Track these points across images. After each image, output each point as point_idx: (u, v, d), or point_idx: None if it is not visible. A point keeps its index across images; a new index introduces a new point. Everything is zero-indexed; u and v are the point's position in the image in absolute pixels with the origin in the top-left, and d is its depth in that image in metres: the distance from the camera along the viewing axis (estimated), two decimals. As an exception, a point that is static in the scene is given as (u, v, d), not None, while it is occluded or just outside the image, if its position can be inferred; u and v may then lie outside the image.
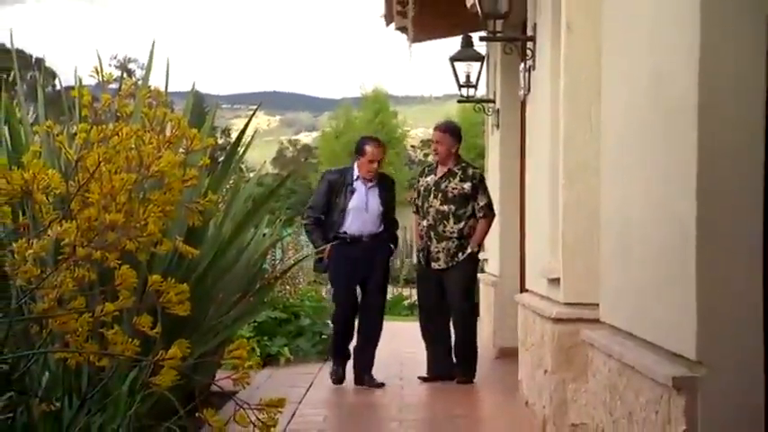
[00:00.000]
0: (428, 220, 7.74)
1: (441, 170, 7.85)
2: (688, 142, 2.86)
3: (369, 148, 7.71)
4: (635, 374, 3.34)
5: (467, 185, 7.71)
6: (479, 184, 7.81)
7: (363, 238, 7.63)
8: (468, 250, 7.70)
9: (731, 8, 2.78)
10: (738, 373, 2.74)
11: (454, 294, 7.73)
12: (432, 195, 7.76)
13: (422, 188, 7.90)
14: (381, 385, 7.48)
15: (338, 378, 7.62)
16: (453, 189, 7.71)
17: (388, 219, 7.83)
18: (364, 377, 7.55)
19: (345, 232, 7.59)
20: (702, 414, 2.77)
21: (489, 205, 7.82)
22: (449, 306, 7.78)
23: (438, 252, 7.70)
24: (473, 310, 8.21)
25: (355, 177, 7.72)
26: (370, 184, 7.71)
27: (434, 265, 7.72)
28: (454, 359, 7.81)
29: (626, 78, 3.76)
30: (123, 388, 3.92)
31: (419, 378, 7.72)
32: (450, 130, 8.03)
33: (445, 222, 7.67)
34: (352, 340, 7.76)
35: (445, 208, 7.69)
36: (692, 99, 2.83)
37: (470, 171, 7.87)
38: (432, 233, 7.71)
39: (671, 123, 3.07)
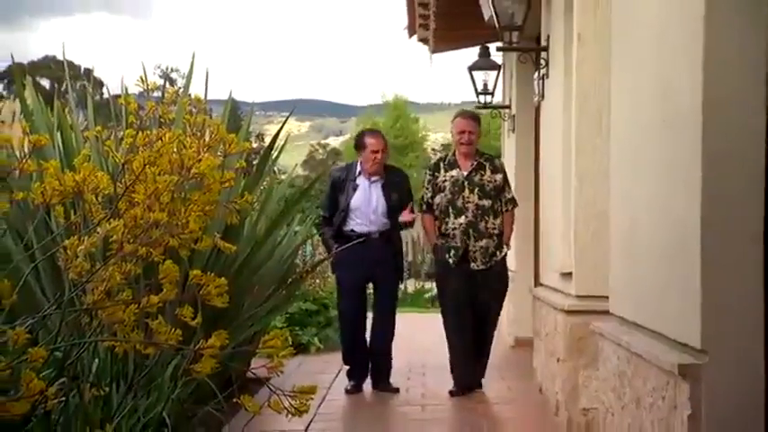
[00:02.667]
0: (467, 217, 6.69)
1: (467, 163, 6.83)
2: (693, 148, 2.84)
3: (369, 140, 6.89)
4: (642, 362, 3.33)
5: (498, 177, 6.84)
6: (506, 175, 6.99)
7: (371, 235, 6.75)
8: (505, 249, 6.84)
9: (735, 19, 2.77)
10: (740, 360, 2.72)
11: (494, 295, 6.83)
12: (467, 190, 6.74)
13: (448, 183, 6.80)
14: (396, 390, 6.82)
15: (353, 392, 6.89)
16: (489, 182, 6.78)
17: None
18: (379, 384, 6.91)
19: (352, 230, 6.75)
20: (706, 400, 2.76)
21: (515, 198, 7.03)
22: (480, 307, 6.79)
23: (475, 252, 6.69)
24: (500, 312, 7.15)
25: (358, 173, 6.89)
26: (373, 179, 6.85)
27: (473, 266, 6.68)
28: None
29: (634, 86, 3.75)
30: (166, 374, 3.95)
31: (450, 393, 6.72)
32: (478, 120, 7.13)
33: (486, 218, 6.70)
34: (364, 348, 7.01)
35: (485, 203, 6.72)
36: (697, 107, 2.81)
37: (497, 162, 7.02)
38: (471, 231, 6.68)
39: (676, 130, 3.06)
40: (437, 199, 6.84)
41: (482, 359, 6.95)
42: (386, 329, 6.92)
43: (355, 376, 6.95)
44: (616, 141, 4.15)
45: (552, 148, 6.56)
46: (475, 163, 6.82)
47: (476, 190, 6.73)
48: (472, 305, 6.74)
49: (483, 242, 6.68)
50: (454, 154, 6.96)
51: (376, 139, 6.92)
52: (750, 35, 2.73)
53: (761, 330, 2.71)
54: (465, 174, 6.78)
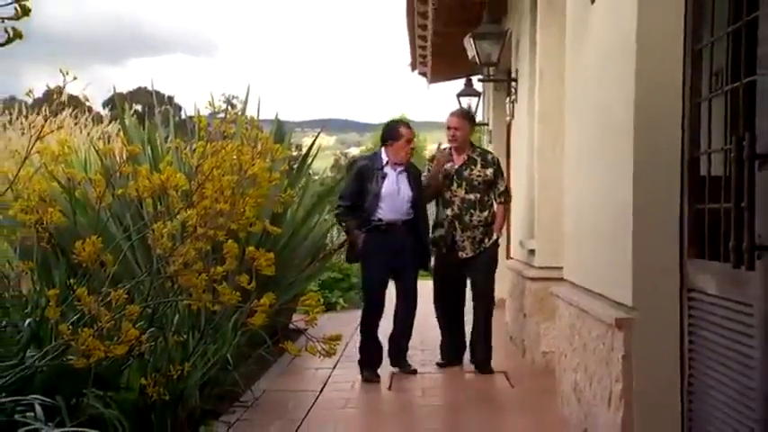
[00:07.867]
0: (453, 210, 5.38)
1: (459, 158, 5.47)
2: (626, 155, 2.84)
3: (404, 130, 5.37)
4: (588, 317, 3.33)
5: (489, 171, 5.42)
6: (499, 170, 5.52)
7: (398, 223, 5.25)
8: (495, 237, 5.44)
9: (660, 56, 2.76)
10: (661, 315, 2.72)
11: (479, 279, 5.46)
12: (455, 184, 5.41)
13: (440, 176, 5.48)
14: (414, 372, 5.35)
15: (370, 379, 5.21)
16: (477, 176, 5.40)
17: (420, 209, 5.40)
18: (400, 361, 5.42)
19: (381, 219, 5.24)
20: (635, 345, 2.76)
21: (508, 190, 5.62)
22: (473, 292, 5.54)
23: (464, 241, 5.38)
24: (493, 295, 5.67)
25: (384, 163, 5.32)
26: (399, 169, 5.30)
27: (461, 255, 5.40)
28: (467, 343, 5.62)
29: (582, 108, 3.73)
30: (229, 325, 3.96)
31: (437, 364, 5.59)
32: (467, 116, 5.81)
33: (472, 212, 5.36)
34: (382, 348, 5.42)
35: (471, 197, 5.37)
36: (629, 124, 2.81)
37: (489, 157, 5.56)
38: (456, 223, 5.38)
39: (614, 142, 3.05)
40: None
41: (478, 345, 5.49)
42: (407, 314, 5.43)
43: (372, 364, 5.33)
44: (568, 151, 4.14)
45: (520, 155, 6.55)
46: (466, 157, 5.48)
47: (463, 184, 5.41)
48: (462, 288, 5.61)
49: (469, 233, 5.39)
50: (451, 149, 5.59)
51: (410, 129, 5.49)
52: (672, 69, 2.72)
53: (677, 291, 2.71)
54: (455, 168, 5.47)
